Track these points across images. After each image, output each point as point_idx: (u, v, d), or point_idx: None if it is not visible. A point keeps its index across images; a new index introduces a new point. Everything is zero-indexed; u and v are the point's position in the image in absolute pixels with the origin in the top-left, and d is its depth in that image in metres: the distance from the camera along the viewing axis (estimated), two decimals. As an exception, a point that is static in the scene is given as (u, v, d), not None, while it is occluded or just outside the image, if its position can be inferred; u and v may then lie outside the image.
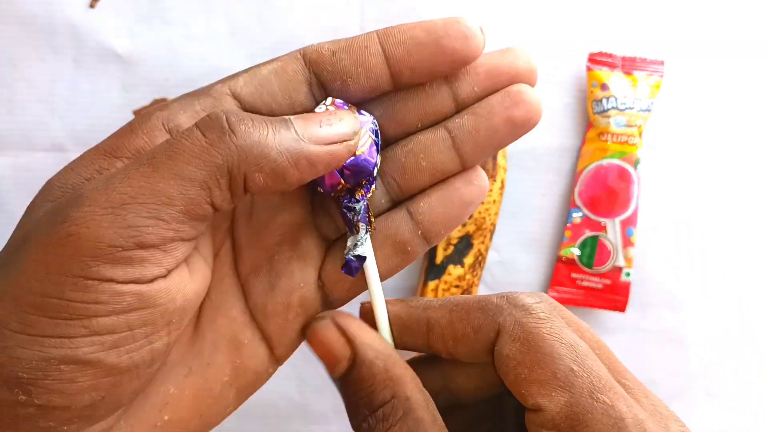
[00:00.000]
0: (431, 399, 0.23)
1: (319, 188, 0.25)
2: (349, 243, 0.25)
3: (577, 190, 0.45)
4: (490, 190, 0.43)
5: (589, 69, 0.45)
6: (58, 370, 0.20)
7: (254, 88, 0.24)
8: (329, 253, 0.27)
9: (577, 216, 0.45)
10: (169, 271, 0.21)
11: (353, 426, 0.23)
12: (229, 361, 0.25)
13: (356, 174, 0.24)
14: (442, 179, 0.26)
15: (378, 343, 0.23)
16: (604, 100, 0.44)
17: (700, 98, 0.46)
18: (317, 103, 0.24)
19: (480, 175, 0.26)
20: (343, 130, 0.23)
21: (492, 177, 0.43)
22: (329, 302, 0.27)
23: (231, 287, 0.26)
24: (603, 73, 0.45)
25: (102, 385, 0.21)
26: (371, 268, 0.25)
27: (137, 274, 0.20)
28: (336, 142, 0.22)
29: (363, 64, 0.24)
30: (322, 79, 0.24)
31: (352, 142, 0.23)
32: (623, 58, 0.45)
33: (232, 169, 0.20)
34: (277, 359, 0.27)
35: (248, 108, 0.24)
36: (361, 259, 0.25)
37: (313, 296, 0.26)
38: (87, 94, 0.47)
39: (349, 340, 0.23)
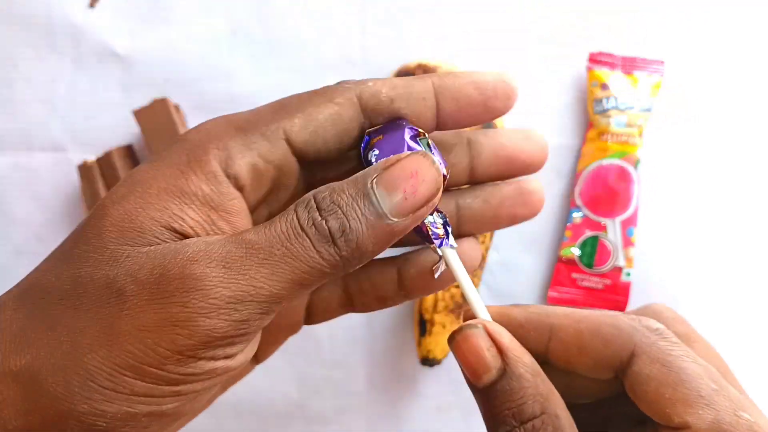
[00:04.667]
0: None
1: None
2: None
3: (577, 189, 0.45)
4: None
5: (589, 69, 0.45)
6: (139, 421, 0.21)
7: (308, 136, 0.24)
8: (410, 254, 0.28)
9: (577, 216, 0.45)
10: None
11: None
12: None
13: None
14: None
15: (527, 357, 0.23)
16: (605, 100, 0.44)
17: (700, 98, 0.46)
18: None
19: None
20: (427, 193, 0.22)
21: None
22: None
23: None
24: (603, 73, 0.45)
25: (166, 426, 0.22)
26: (460, 268, 0.25)
27: (230, 352, 0.22)
28: (420, 207, 0.22)
29: (417, 114, 0.25)
30: (374, 122, 0.25)
31: (435, 199, 0.22)
32: (623, 58, 0.45)
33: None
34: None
35: (297, 151, 0.24)
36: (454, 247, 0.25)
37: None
38: (87, 94, 0.47)
39: (501, 351, 0.23)
